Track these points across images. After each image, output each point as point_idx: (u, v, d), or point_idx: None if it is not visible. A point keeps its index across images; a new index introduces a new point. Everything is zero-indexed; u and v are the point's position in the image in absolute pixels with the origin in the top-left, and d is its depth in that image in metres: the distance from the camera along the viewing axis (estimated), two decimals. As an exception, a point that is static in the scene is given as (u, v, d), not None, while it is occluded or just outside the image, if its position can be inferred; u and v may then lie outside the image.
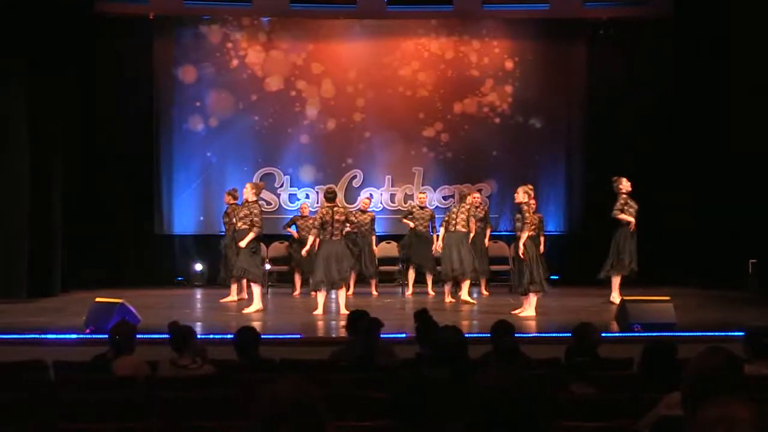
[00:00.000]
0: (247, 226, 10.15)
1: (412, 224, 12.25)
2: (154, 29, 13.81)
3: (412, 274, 12.35)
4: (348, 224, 10.12)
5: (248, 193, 10.37)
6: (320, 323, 9.49)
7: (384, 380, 4.70)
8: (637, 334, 8.07)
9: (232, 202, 11.64)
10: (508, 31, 14.26)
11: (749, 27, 11.66)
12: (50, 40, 11.94)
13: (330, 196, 10.05)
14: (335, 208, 9.97)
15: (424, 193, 13.16)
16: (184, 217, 13.86)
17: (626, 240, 10.56)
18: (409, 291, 12.24)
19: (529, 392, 2.38)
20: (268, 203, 13.63)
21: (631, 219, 10.50)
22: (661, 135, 13.49)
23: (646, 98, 13.58)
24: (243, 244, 10.12)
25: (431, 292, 12.15)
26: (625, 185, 10.67)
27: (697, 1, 12.85)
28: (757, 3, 11.52)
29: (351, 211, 11.31)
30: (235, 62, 14.07)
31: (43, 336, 8.17)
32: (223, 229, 12.15)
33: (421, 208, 12.39)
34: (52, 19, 11.94)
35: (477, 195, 12.08)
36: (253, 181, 12.70)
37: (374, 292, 12.23)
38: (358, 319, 5.95)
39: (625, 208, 10.55)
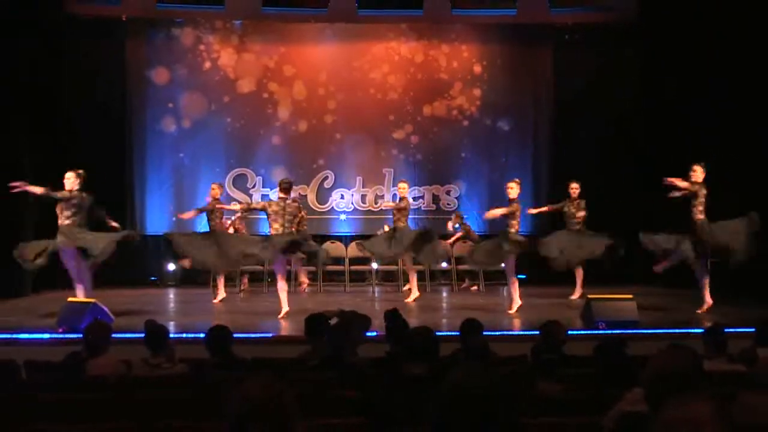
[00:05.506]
0: None
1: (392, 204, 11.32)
2: (126, 31, 13.78)
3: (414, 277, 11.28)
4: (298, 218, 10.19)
5: None
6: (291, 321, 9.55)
7: (355, 378, 4.75)
8: (601, 332, 8.25)
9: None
10: (476, 35, 14.43)
11: (714, 32, 11.88)
12: (19, 43, 11.86)
13: (285, 187, 9.64)
14: (288, 201, 9.62)
15: (405, 181, 11.61)
16: (157, 217, 13.84)
17: None
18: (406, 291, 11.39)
19: (499, 390, 2.45)
20: (240, 203, 13.61)
21: None
22: (626, 138, 13.73)
23: (612, 102, 13.80)
24: None
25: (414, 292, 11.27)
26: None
27: (661, 6, 13.07)
28: (721, 8, 11.74)
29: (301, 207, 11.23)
30: (207, 64, 14.09)
31: (14, 336, 8.11)
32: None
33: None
34: (21, 21, 11.86)
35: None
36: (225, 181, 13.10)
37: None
38: (316, 322, 5.84)
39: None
